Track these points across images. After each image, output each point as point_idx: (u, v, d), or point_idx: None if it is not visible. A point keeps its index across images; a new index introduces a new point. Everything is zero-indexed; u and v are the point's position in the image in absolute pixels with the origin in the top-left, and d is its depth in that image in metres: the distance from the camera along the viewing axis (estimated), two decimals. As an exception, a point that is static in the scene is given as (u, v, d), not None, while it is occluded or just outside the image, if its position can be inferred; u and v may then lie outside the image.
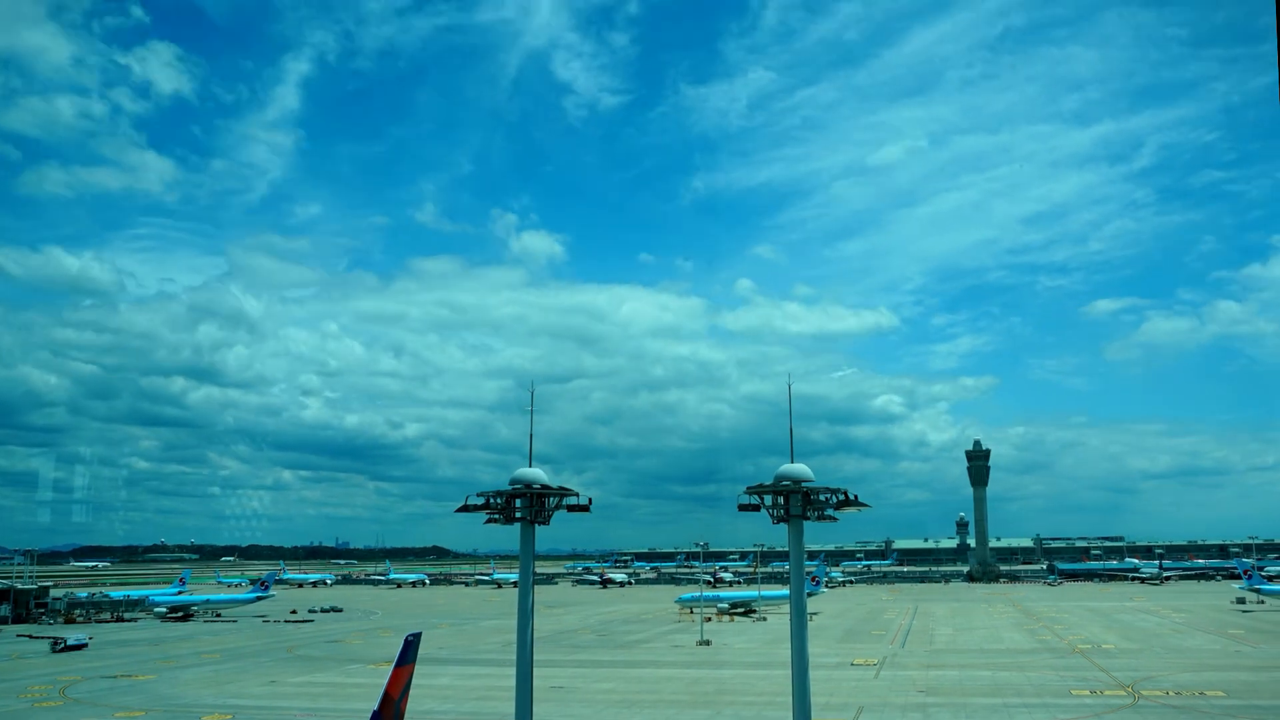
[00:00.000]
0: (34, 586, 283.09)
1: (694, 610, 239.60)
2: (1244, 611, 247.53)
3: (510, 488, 66.58)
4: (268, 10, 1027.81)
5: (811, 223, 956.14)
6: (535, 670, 68.34)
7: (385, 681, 56.33)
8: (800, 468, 62.43)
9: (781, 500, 63.16)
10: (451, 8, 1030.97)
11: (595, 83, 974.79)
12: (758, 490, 63.23)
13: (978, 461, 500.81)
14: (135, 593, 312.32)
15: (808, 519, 63.28)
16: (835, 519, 64.34)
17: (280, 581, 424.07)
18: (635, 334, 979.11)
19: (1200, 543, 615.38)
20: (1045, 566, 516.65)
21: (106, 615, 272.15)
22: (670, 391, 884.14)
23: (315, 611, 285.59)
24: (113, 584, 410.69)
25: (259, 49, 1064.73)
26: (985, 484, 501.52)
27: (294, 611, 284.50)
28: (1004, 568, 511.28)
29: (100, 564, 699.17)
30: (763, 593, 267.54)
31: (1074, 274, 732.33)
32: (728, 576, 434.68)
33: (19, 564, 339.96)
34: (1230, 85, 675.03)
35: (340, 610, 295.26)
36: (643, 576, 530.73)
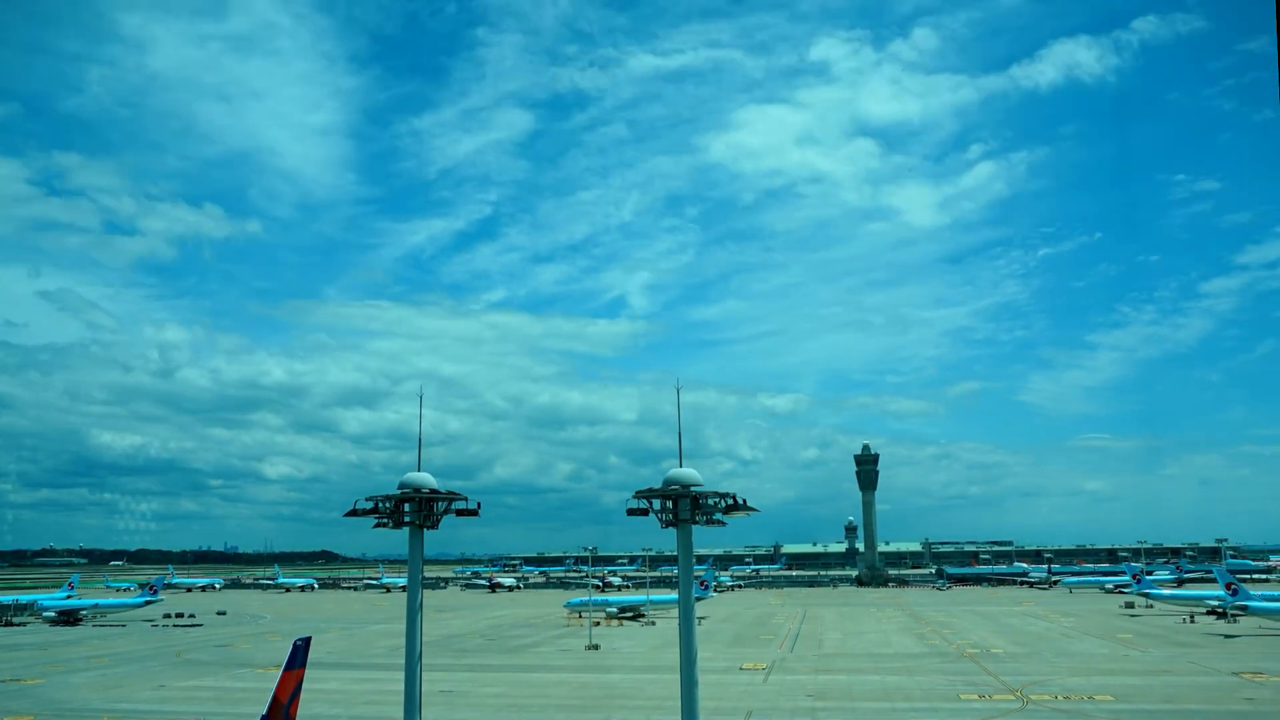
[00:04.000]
0: None
1: (583, 614, 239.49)
2: (1132, 616, 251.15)
3: (399, 492, 66.28)
4: None
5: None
6: (424, 675, 67.97)
7: (274, 686, 55.93)
8: (689, 472, 62.50)
9: (670, 504, 63.25)
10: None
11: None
12: (646, 494, 63.15)
13: (866, 466, 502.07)
14: (24, 597, 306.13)
15: (696, 523, 63.38)
16: (724, 523, 64.46)
17: (169, 586, 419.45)
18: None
19: (1089, 547, 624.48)
20: (934, 571, 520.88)
21: None
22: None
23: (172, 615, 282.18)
24: (0, 588, 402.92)
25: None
26: (874, 488, 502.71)
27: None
28: (893, 572, 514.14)
29: None
30: (651, 597, 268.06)
31: (906, 373, 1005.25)
32: (616, 581, 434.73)
33: None
34: (972, 305, 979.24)
35: (224, 614, 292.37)
36: (531, 581, 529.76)
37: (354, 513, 66.67)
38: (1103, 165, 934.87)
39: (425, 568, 70.95)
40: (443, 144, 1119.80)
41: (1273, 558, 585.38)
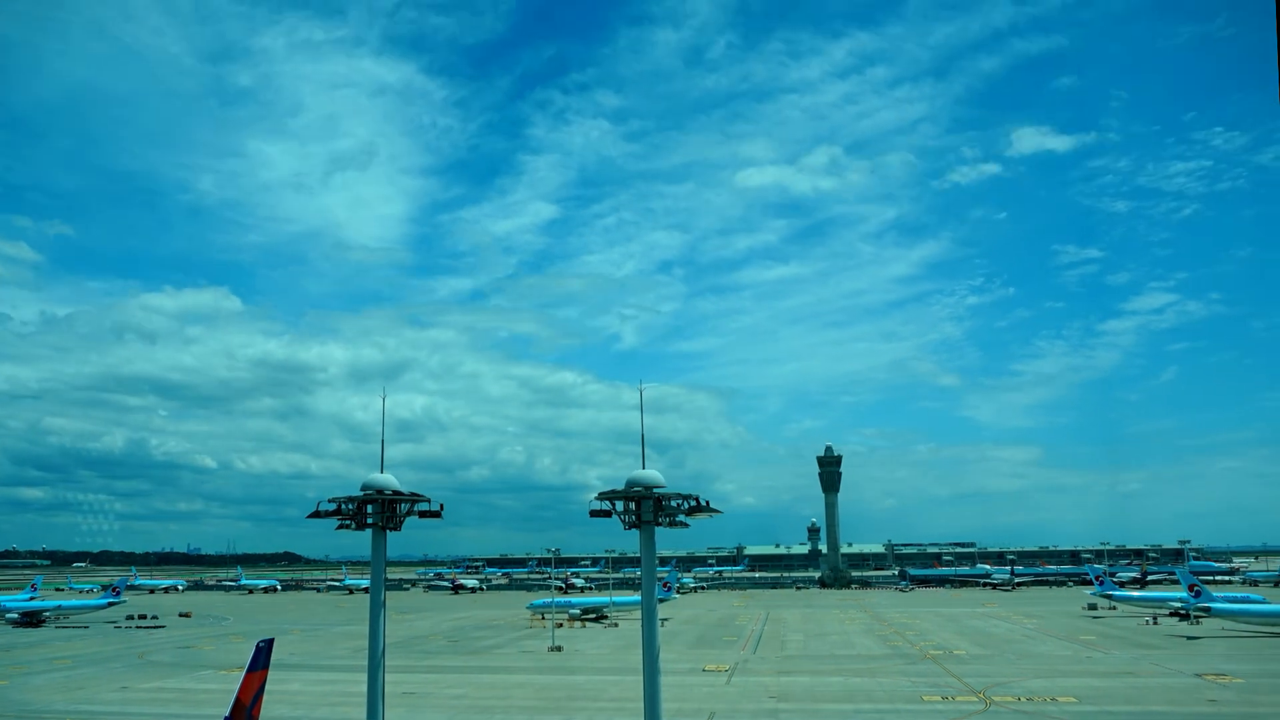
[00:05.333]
0: None
1: (545, 616, 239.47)
2: (1095, 618, 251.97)
3: (362, 494, 66.14)
4: None
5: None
6: (387, 676, 67.88)
7: (237, 688, 55.72)
8: (652, 473, 62.56)
9: (633, 506, 63.35)
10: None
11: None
12: (609, 496, 63.19)
13: (829, 467, 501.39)
14: None
15: (659, 525, 63.46)
16: (687, 524, 64.53)
17: (132, 587, 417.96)
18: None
19: (1052, 548, 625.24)
20: (897, 572, 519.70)
21: None
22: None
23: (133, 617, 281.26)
24: None
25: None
26: (837, 490, 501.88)
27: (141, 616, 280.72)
28: (856, 574, 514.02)
29: None
30: (614, 599, 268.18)
31: (860, 394, 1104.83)
32: (579, 582, 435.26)
33: None
34: (915, 340, 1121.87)
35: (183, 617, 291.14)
36: (494, 582, 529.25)
37: (317, 514, 66.34)
38: (1009, 239, 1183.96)
39: (388, 569, 70.85)
40: (479, 227, 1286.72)
41: (1236, 559, 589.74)
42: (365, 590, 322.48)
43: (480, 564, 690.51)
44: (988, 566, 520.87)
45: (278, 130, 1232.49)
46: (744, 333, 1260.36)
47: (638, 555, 67.09)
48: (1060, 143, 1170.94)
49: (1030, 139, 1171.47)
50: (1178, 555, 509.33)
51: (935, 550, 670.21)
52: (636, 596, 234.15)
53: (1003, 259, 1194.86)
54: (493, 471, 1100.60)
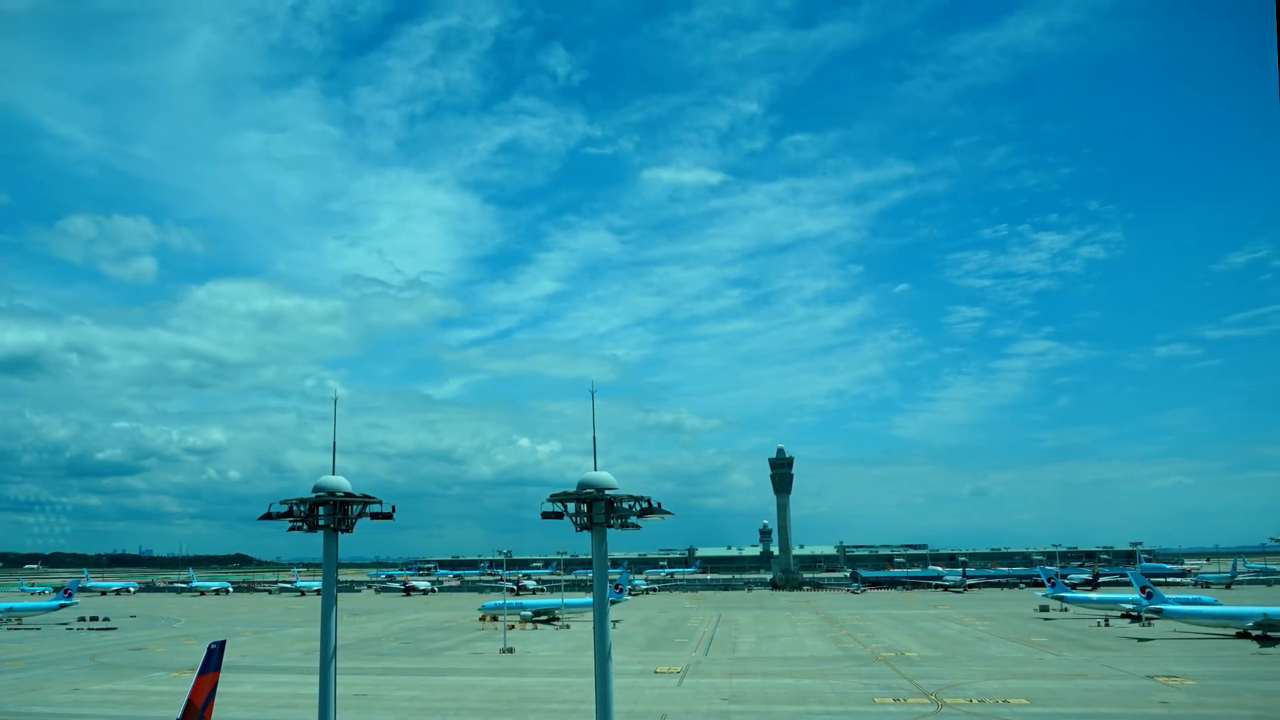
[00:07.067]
0: None
1: (497, 618, 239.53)
2: (1047, 619, 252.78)
3: (314, 495, 66.16)
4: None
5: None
6: (338, 678, 67.93)
7: (189, 689, 55.72)
8: (604, 475, 62.81)
9: (585, 508, 63.59)
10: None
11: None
12: (561, 498, 63.39)
13: (781, 469, 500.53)
14: None
15: (611, 527, 63.73)
16: (638, 526, 64.76)
17: (83, 589, 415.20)
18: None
19: (1003, 550, 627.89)
20: (848, 574, 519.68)
21: None
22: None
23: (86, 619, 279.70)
24: None
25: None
26: (788, 492, 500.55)
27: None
28: (807, 575, 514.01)
29: None
30: (566, 600, 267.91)
31: (802, 416, 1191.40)
32: (531, 584, 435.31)
33: None
34: (846, 375, 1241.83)
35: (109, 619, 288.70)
36: (446, 584, 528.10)
37: (268, 515, 66.21)
38: (912, 303, 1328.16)
39: (340, 571, 70.92)
40: (498, 298, 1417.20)
41: (1188, 561, 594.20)
42: (317, 592, 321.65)
43: (432, 566, 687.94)
44: (939, 568, 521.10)
45: (351, 235, 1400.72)
46: (701, 370, 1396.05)
47: (590, 557, 67.39)
48: (939, 241, 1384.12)
49: (918, 236, 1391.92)
50: (1130, 557, 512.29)
51: (887, 552, 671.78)
52: (588, 598, 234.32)
53: (910, 317, 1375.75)
54: (477, 469, 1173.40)
